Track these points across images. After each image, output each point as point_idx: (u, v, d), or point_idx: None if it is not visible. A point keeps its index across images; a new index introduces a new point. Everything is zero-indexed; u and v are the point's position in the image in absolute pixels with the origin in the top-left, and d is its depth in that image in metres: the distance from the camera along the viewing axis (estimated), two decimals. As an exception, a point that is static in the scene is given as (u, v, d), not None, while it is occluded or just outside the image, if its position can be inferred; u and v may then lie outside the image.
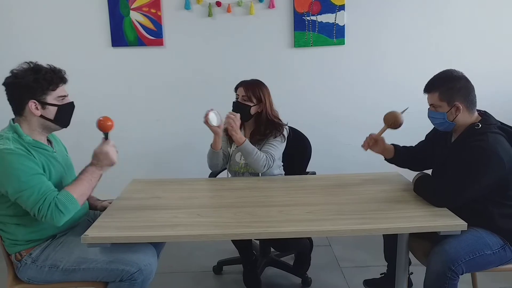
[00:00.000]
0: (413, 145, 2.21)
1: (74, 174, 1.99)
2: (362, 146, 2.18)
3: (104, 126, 1.84)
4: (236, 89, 2.42)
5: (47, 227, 1.78)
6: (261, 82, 2.42)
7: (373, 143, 2.15)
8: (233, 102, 2.40)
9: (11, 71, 1.75)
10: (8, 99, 1.77)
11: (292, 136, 2.47)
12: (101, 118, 1.85)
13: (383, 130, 2.13)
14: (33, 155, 1.71)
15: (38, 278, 1.77)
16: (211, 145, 2.36)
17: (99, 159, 1.81)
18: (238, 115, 2.27)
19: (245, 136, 2.35)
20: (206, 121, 2.24)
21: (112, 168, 1.85)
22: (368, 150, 2.18)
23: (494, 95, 2.99)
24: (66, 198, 1.69)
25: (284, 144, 2.41)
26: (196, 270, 2.74)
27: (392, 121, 2.09)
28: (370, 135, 2.16)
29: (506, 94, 3.24)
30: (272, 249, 2.66)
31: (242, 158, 2.38)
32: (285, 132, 2.41)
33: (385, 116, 2.11)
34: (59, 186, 1.80)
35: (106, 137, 1.85)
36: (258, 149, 2.33)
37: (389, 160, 2.20)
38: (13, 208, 1.72)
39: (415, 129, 2.25)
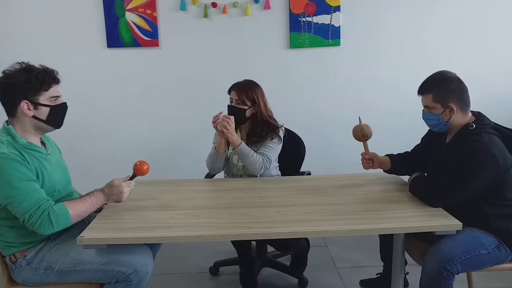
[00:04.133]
0: (409, 151, 2.22)
1: (69, 176, 1.98)
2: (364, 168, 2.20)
3: (139, 170, 1.87)
4: (229, 92, 2.40)
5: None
6: (253, 82, 2.40)
7: (370, 162, 2.16)
8: (228, 105, 2.39)
9: (3, 71, 1.74)
10: (0, 100, 1.75)
11: (286, 137, 2.47)
12: (138, 162, 1.87)
13: (365, 146, 2.16)
14: (27, 160, 1.69)
15: (33, 280, 1.76)
16: (215, 148, 2.36)
17: (111, 192, 1.83)
18: (232, 117, 2.27)
19: (241, 138, 2.35)
20: (216, 125, 2.25)
21: (108, 169, 1.85)
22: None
23: (486, 97, 3.00)
24: (61, 212, 1.68)
25: (281, 145, 2.41)
26: (192, 271, 2.74)
27: (362, 134, 2.12)
28: (362, 156, 2.18)
29: (498, 96, 3.26)
30: (268, 250, 2.66)
31: (240, 161, 2.37)
32: (281, 134, 2.41)
33: (354, 136, 2.15)
34: (53, 189, 1.79)
35: (132, 178, 1.88)
36: (255, 151, 2.33)
37: (387, 171, 2.21)
38: (5, 211, 1.70)
39: (411, 130, 2.26)
